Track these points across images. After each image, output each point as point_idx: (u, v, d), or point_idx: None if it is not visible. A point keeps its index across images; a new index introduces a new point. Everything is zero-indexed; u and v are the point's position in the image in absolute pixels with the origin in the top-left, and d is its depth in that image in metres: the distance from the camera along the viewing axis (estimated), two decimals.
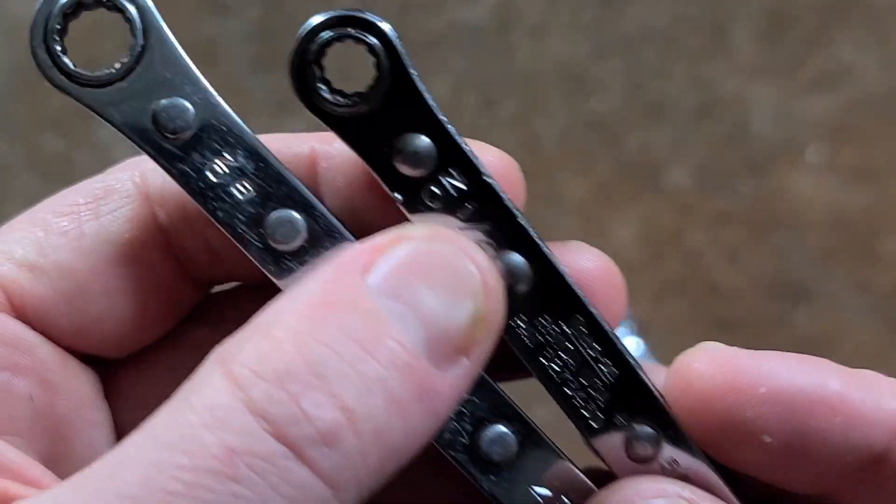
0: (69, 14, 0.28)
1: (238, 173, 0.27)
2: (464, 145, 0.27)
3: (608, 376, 0.28)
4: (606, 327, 0.28)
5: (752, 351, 0.30)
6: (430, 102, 0.27)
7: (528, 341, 0.27)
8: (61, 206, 0.29)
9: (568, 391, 0.28)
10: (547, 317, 0.27)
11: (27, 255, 0.28)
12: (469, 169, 0.27)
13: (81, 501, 0.22)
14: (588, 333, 0.28)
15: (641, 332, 0.87)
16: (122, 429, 0.31)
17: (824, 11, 1.03)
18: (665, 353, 0.93)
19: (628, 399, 0.28)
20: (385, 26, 0.27)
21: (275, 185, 0.27)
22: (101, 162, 0.32)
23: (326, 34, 0.27)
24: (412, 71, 0.27)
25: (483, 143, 0.29)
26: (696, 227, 0.93)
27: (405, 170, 0.27)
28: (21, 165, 0.99)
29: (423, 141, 0.27)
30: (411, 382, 0.23)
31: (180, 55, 0.28)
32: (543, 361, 0.28)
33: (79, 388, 0.30)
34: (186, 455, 0.21)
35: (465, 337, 0.24)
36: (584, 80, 1.03)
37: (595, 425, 0.28)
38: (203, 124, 0.27)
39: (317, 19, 0.27)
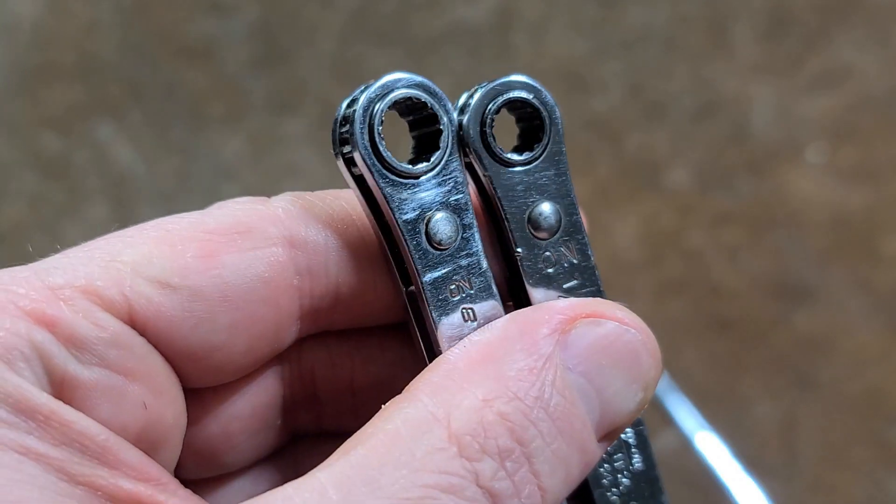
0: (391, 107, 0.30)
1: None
2: (584, 226, 0.31)
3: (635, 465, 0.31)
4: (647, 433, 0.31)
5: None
6: (569, 176, 0.31)
7: None
8: (190, 231, 0.29)
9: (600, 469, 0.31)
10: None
11: (160, 273, 0.28)
12: (583, 248, 0.31)
13: None
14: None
15: None
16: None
17: (824, 11, 1.03)
18: (665, 353, 0.93)
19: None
20: (548, 95, 0.32)
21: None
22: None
23: (496, 103, 0.30)
24: (564, 144, 0.31)
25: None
26: (696, 227, 0.93)
27: (534, 229, 0.30)
28: (20, 165, 0.99)
29: (555, 209, 0.31)
30: (583, 459, 0.26)
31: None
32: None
33: (180, 405, 0.30)
34: None
35: (628, 419, 0.27)
36: (584, 80, 1.03)
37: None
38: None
39: (494, 84, 0.31)
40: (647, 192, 0.95)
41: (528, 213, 0.30)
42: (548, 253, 0.30)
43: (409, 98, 0.29)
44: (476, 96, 0.30)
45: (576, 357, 0.26)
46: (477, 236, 0.30)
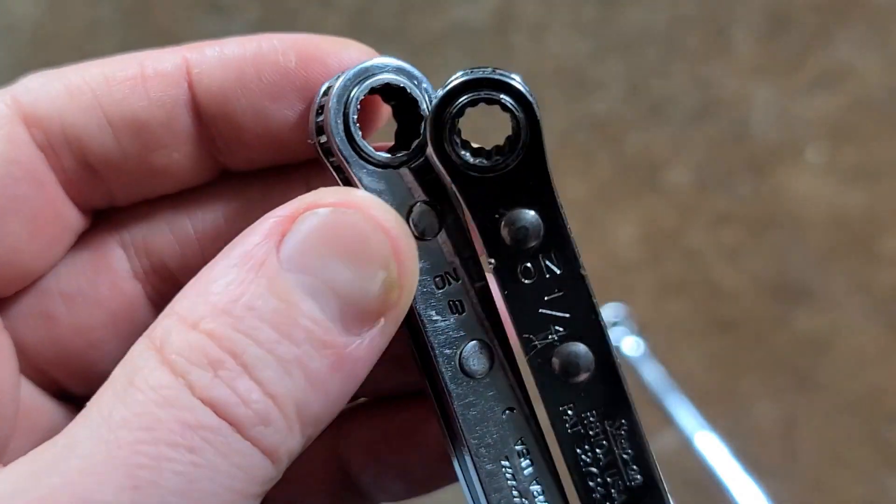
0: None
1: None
2: (571, 233, 0.28)
3: (632, 481, 0.29)
4: (645, 438, 0.29)
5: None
6: (553, 183, 0.27)
7: (569, 429, 0.28)
8: None
9: (591, 483, 0.29)
10: (595, 412, 0.28)
11: None
12: (569, 258, 0.28)
13: (44, 483, 0.22)
14: (627, 438, 0.29)
15: (641, 332, 0.87)
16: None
17: (824, 11, 1.03)
18: (665, 353, 0.93)
19: None
20: (521, 87, 0.27)
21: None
22: None
23: (464, 97, 0.27)
24: (545, 145, 0.27)
25: (347, 40, 0.30)
26: (696, 227, 0.93)
27: (509, 239, 0.27)
28: None
29: (535, 218, 0.27)
30: (328, 356, 0.24)
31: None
32: (578, 451, 0.28)
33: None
34: (145, 431, 0.23)
35: (379, 303, 0.25)
36: (584, 80, 1.03)
37: None
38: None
39: (455, 82, 0.28)
40: (647, 192, 0.95)
41: (502, 220, 0.27)
42: (528, 264, 0.27)
43: (388, 84, 0.28)
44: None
45: (294, 255, 0.24)
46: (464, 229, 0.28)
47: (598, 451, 0.28)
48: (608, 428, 0.28)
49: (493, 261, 0.27)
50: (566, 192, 1.12)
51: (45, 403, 0.31)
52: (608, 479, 0.28)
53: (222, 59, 0.28)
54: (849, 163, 0.95)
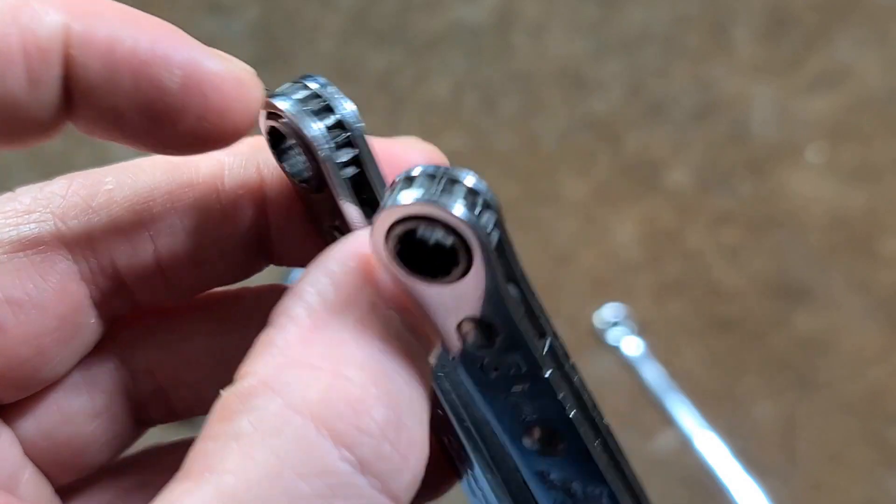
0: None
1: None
2: (533, 342, 0.25)
3: None
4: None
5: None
6: (505, 294, 0.24)
7: (548, 489, 0.28)
8: None
9: None
10: (574, 481, 0.27)
11: None
12: (531, 363, 0.25)
13: None
14: (606, 497, 0.28)
15: (641, 332, 0.87)
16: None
17: (824, 11, 1.03)
18: (665, 353, 0.93)
19: None
20: (460, 221, 0.22)
21: None
22: (101, 162, 0.31)
23: (399, 229, 0.22)
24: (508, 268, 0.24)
25: (414, 139, 0.28)
26: (695, 227, 0.93)
27: (468, 339, 0.25)
28: (20, 165, 0.99)
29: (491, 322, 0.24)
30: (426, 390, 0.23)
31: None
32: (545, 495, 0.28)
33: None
34: None
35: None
36: (584, 80, 1.03)
37: None
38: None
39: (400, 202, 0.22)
40: (647, 192, 0.95)
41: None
42: (489, 359, 0.25)
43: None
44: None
45: (388, 288, 0.23)
46: None
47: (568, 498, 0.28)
48: (587, 490, 0.28)
49: (454, 357, 0.25)
50: (566, 192, 1.12)
51: None
52: None
53: (107, 51, 0.24)
54: (849, 163, 0.95)
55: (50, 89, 0.24)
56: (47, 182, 0.29)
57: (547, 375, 0.25)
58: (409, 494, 0.21)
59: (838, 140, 0.96)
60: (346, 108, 0.26)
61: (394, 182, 0.23)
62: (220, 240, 0.28)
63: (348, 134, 0.26)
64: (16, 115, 0.25)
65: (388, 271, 0.23)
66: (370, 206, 0.26)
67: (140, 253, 0.29)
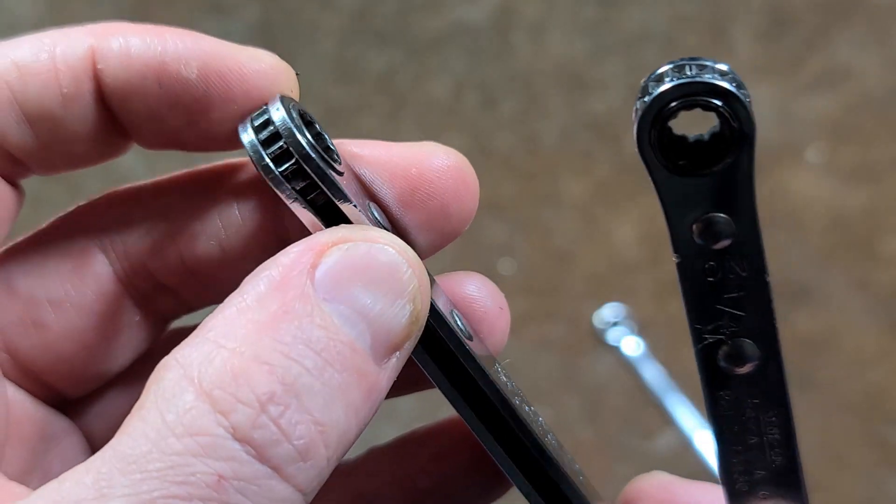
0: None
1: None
2: (762, 242, 0.27)
3: (773, 463, 0.30)
4: (794, 430, 0.30)
5: (692, 482, 0.33)
6: (755, 191, 0.26)
7: (723, 412, 0.30)
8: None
9: (734, 459, 0.30)
10: (752, 401, 0.29)
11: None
12: (757, 265, 0.27)
13: None
14: (777, 425, 0.30)
15: (641, 331, 0.87)
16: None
17: (824, 11, 1.03)
18: (665, 352, 0.93)
19: (780, 485, 0.30)
20: (741, 96, 0.26)
21: None
22: (113, 182, 0.32)
23: (674, 104, 0.26)
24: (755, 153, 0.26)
25: (435, 144, 0.30)
26: None
27: (699, 239, 0.27)
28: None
29: (728, 222, 0.27)
30: (363, 384, 0.24)
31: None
32: (727, 432, 0.30)
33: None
34: (179, 486, 0.22)
35: (404, 334, 0.25)
36: (584, 80, 1.03)
37: (743, 489, 0.30)
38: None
39: (664, 88, 0.26)
40: (647, 192, 0.94)
41: (696, 222, 0.27)
42: (712, 262, 0.27)
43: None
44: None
45: (329, 286, 0.24)
46: None
47: (747, 435, 0.30)
48: (761, 416, 0.29)
49: (677, 258, 0.27)
50: (566, 192, 1.12)
51: (38, 410, 0.31)
52: (750, 460, 0.30)
53: (125, 58, 0.28)
54: (849, 163, 0.95)
55: (85, 104, 0.28)
56: None
57: (768, 280, 0.27)
58: (296, 469, 0.23)
59: (838, 140, 0.96)
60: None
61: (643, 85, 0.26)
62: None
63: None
64: (56, 131, 0.28)
65: (645, 165, 0.26)
66: (321, 212, 0.27)
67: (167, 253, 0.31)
